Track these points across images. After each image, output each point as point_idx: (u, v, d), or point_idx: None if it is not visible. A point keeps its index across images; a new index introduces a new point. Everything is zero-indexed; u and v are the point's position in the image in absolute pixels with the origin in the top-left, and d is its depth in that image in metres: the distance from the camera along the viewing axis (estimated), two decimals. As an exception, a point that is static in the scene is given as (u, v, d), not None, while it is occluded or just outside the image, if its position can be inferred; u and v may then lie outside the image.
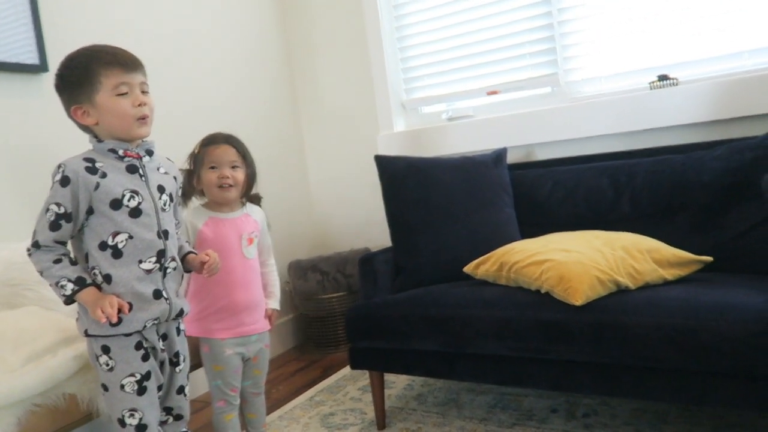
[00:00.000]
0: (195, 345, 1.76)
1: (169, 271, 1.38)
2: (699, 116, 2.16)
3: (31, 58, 1.99)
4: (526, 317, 1.59)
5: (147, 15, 2.43)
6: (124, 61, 1.32)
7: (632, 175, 2.05)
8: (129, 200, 1.31)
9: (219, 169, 1.66)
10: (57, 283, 1.27)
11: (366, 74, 2.94)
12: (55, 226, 1.27)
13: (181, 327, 1.48)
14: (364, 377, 2.42)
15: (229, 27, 2.82)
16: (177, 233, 1.46)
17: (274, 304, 1.81)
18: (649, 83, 2.27)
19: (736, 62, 2.18)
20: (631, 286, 1.61)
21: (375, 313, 1.88)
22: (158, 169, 1.40)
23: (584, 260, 1.61)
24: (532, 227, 2.15)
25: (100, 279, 1.30)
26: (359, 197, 3.06)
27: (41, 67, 2.00)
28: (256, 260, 1.76)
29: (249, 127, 2.74)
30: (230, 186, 1.67)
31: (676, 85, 2.23)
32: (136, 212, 1.32)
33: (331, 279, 2.80)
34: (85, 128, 1.36)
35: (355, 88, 2.99)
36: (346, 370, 2.57)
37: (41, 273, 1.29)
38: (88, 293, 1.28)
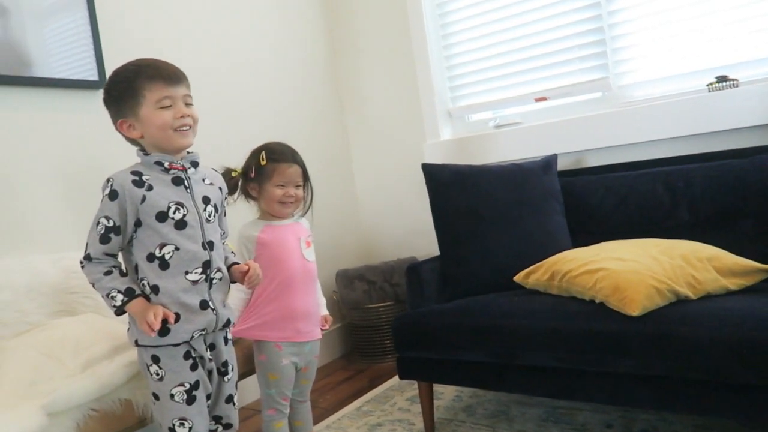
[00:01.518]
0: (247, 353, 1.78)
1: (215, 281, 1.39)
2: (761, 118, 2.06)
3: (91, 74, 2.07)
4: (579, 328, 1.54)
5: (201, 32, 2.50)
6: (167, 75, 1.34)
7: (690, 181, 1.97)
8: (174, 212, 1.33)
9: (285, 188, 1.69)
10: (108, 295, 1.31)
11: (412, 82, 2.94)
12: (104, 239, 1.31)
13: (229, 337, 1.50)
14: (411, 387, 2.40)
15: (277, 40, 2.87)
16: (223, 243, 1.49)
17: (325, 310, 1.83)
18: (707, 85, 2.19)
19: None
20: (692, 296, 1.54)
21: (422, 322, 1.86)
22: (203, 180, 1.43)
23: (640, 269, 1.56)
24: (584, 235, 2.10)
25: (148, 290, 1.33)
26: (405, 206, 3.05)
27: (100, 83, 2.08)
28: (315, 265, 1.77)
29: (296, 138, 2.76)
30: (291, 203, 1.71)
31: (737, 86, 2.14)
32: (181, 224, 1.34)
33: (377, 288, 2.79)
34: (132, 141, 1.40)
35: (401, 97, 2.99)
36: (394, 380, 2.55)
37: (93, 285, 1.33)
38: (137, 304, 1.31)
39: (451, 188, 2.12)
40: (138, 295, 1.32)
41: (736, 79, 2.15)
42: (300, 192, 1.73)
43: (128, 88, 1.33)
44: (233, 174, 1.72)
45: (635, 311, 1.47)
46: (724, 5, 2.18)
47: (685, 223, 1.93)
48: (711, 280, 1.57)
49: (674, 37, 2.29)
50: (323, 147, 3.07)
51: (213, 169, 1.51)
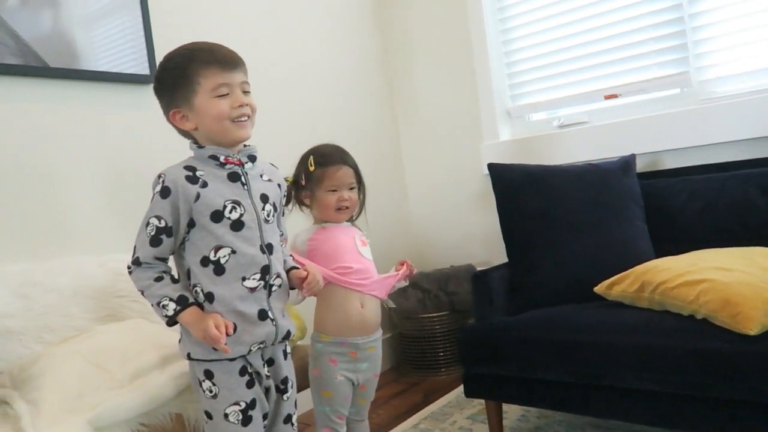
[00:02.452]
0: (302, 364, 1.65)
1: (274, 288, 1.25)
2: None
3: (142, 68, 1.98)
4: (682, 346, 1.36)
5: (252, 28, 2.40)
6: (224, 60, 1.21)
7: (791, 184, 1.77)
8: (230, 212, 1.20)
9: (338, 192, 1.56)
10: (158, 303, 1.17)
11: (469, 80, 2.78)
12: (155, 241, 1.18)
13: (288, 350, 1.36)
14: (471, 405, 2.23)
15: (327, 39, 2.75)
16: (282, 246, 1.36)
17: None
18: (806, 78, 1.98)
19: None
20: (814, 312, 1.34)
21: (493, 335, 1.70)
22: (261, 176, 1.29)
23: (753, 281, 1.37)
24: (666, 243, 1.91)
25: (201, 297, 1.19)
26: (460, 211, 2.89)
27: (151, 78, 1.98)
28: (372, 264, 1.63)
29: (345, 139, 2.63)
30: (347, 208, 1.58)
31: (841, 79, 1.93)
32: (237, 225, 1.20)
33: (432, 297, 2.64)
34: (184, 133, 1.27)
35: (457, 95, 2.84)
36: (451, 395, 2.39)
37: (142, 292, 1.20)
38: (191, 313, 1.17)
39: (522, 190, 1.95)
40: (192, 304, 1.18)
41: (840, 72, 1.94)
42: (354, 195, 1.59)
43: (181, 75, 1.20)
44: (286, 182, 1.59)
45: (752, 329, 1.29)
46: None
47: (788, 230, 1.72)
48: (836, 295, 1.37)
49: (764, 27, 2.08)
50: (373, 149, 2.94)
51: (271, 164, 1.37)
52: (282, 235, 1.37)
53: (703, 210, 1.90)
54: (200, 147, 1.24)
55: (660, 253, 1.83)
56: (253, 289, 1.21)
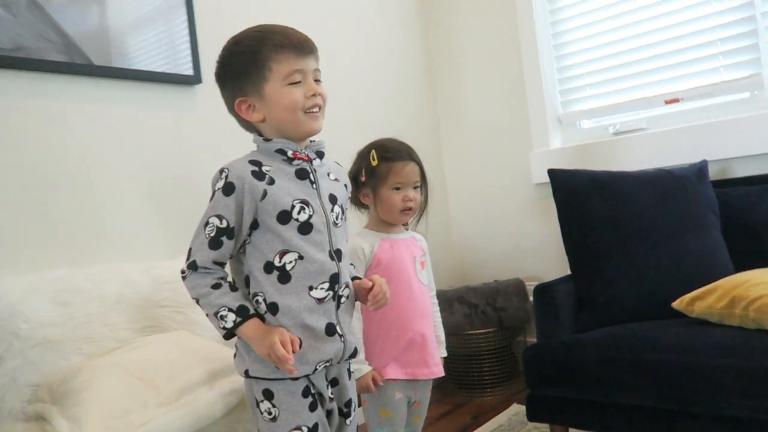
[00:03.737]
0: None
1: (343, 300, 1.13)
2: None
3: (186, 68, 1.89)
4: (793, 370, 1.21)
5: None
6: (299, 44, 1.10)
7: None
8: (299, 213, 1.08)
9: (403, 190, 1.44)
10: (216, 314, 1.05)
11: (518, 86, 2.66)
12: (215, 243, 1.06)
13: (352, 369, 1.23)
14: (526, 428, 2.08)
15: (368, 39, 2.65)
16: None
17: (443, 351, 1.56)
18: None
19: None
20: None
21: (563, 354, 1.56)
22: (328, 175, 1.17)
23: None
24: (745, 256, 1.76)
25: (263, 308, 1.08)
26: (507, 222, 2.75)
27: (195, 78, 1.90)
28: (428, 289, 1.53)
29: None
30: (411, 209, 1.46)
31: None
32: (306, 227, 1.09)
33: (479, 312, 2.50)
34: (248, 126, 1.16)
35: (505, 102, 2.71)
36: (502, 418, 2.24)
37: (197, 300, 1.08)
38: (253, 326, 1.05)
39: (587, 197, 1.82)
40: (253, 315, 1.06)
41: None
42: (418, 195, 1.48)
43: (252, 60, 1.08)
44: None
45: None
46: None
47: None
48: None
49: None
50: (413, 157, 2.82)
51: (336, 162, 1.26)
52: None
53: (789, 220, 1.75)
54: (267, 140, 1.12)
55: (740, 268, 1.68)
56: (321, 300, 1.09)
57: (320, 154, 1.16)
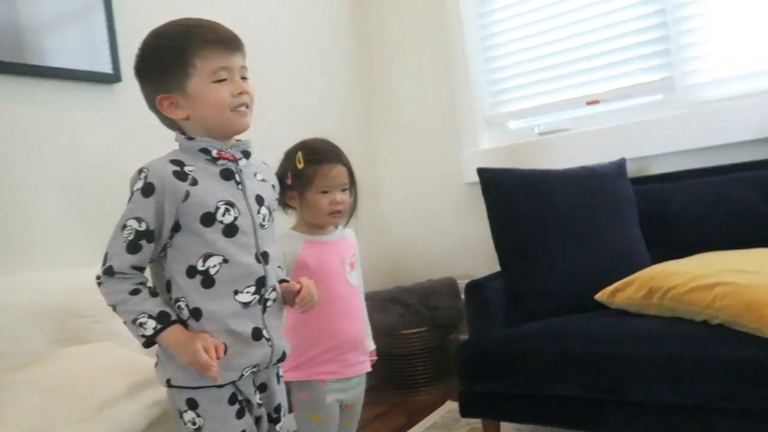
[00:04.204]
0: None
1: (269, 303, 1.10)
2: None
3: (105, 66, 1.80)
4: (707, 356, 1.28)
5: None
6: (226, 40, 1.06)
7: (789, 186, 1.74)
8: (224, 214, 1.04)
9: (331, 193, 1.41)
10: (135, 321, 1.00)
11: (447, 88, 2.69)
12: (134, 247, 1.00)
13: (280, 373, 1.20)
14: (458, 425, 2.10)
15: (295, 33, 2.62)
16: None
17: (371, 343, 1.55)
18: (792, 82, 1.98)
19: None
20: (837, 314, 1.29)
21: (494, 350, 1.59)
22: (255, 176, 1.13)
23: (773, 283, 1.30)
24: (662, 249, 1.85)
25: (186, 314, 1.03)
26: (439, 222, 2.78)
27: (115, 77, 1.81)
28: (360, 289, 1.51)
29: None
30: (340, 212, 1.43)
31: (826, 82, 1.93)
32: (231, 230, 1.05)
33: (413, 312, 2.51)
34: (170, 124, 1.10)
35: (435, 103, 2.75)
36: (435, 416, 2.25)
37: (114, 307, 1.02)
38: (174, 333, 1.01)
39: (515, 195, 1.86)
40: (174, 322, 1.01)
41: (824, 75, 1.94)
42: (347, 197, 1.46)
43: (175, 54, 1.03)
44: None
45: (780, 333, 1.22)
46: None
47: (790, 232, 1.69)
48: None
49: (749, 31, 2.08)
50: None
51: (263, 162, 1.21)
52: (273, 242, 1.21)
53: (703, 215, 1.86)
54: (190, 138, 1.07)
55: (657, 260, 1.76)
56: (247, 304, 1.05)
57: (247, 154, 1.12)
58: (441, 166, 2.75)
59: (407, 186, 2.88)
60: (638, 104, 2.33)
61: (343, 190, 1.43)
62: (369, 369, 1.50)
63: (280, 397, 1.18)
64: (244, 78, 1.08)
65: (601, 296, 1.64)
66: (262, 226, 1.10)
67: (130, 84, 1.90)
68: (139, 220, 1.00)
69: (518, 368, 1.53)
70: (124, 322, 1.02)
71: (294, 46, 2.58)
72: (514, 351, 1.55)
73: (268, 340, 1.08)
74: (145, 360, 1.37)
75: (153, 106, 1.09)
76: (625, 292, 1.58)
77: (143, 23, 1.90)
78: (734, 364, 1.25)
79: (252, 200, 1.09)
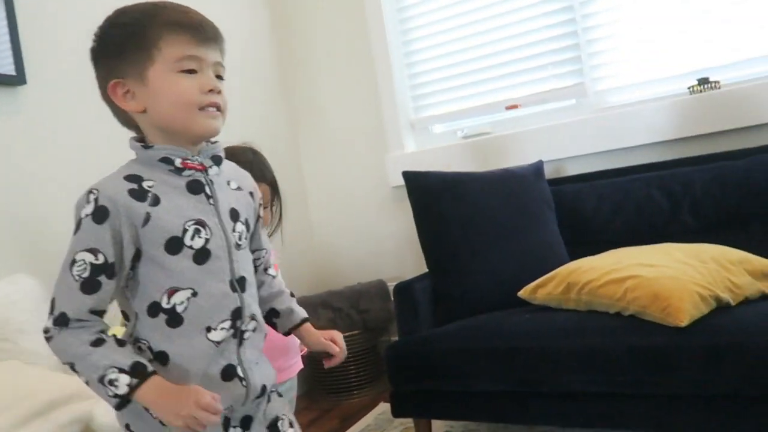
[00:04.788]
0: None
1: (247, 335, 0.93)
2: (744, 120, 2.02)
3: (8, 68, 1.69)
4: (617, 345, 1.36)
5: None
6: (199, 26, 0.89)
7: (688, 184, 1.88)
8: (193, 238, 0.88)
9: None
10: (101, 378, 0.82)
11: (372, 92, 2.72)
12: (91, 285, 0.84)
13: (280, 390, 1.07)
14: (392, 426, 2.12)
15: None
16: (267, 270, 1.06)
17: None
18: (689, 88, 2.13)
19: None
20: (732, 302, 1.40)
21: (422, 349, 1.62)
22: (228, 184, 0.96)
23: (677, 275, 1.40)
24: (579, 246, 1.94)
25: (148, 356, 0.87)
26: (366, 225, 2.80)
27: (18, 78, 1.70)
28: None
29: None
30: None
31: (719, 88, 2.09)
32: (202, 255, 0.89)
33: (344, 316, 2.51)
34: (124, 117, 0.94)
35: (359, 106, 2.76)
36: (369, 418, 2.26)
37: (72, 365, 0.84)
38: (155, 388, 0.83)
39: (439, 197, 1.90)
40: (152, 373, 0.84)
41: (717, 82, 2.10)
42: (267, 214, 1.41)
43: (136, 34, 0.87)
44: None
45: (683, 321, 1.31)
46: (704, 7, 2.14)
47: (690, 227, 1.82)
48: (748, 284, 1.44)
49: (652, 41, 2.22)
50: (269, 162, 2.77)
51: (236, 165, 1.04)
52: (265, 251, 1.05)
53: (614, 212, 1.96)
54: (147, 147, 0.90)
55: (574, 256, 1.85)
56: (219, 343, 0.89)
57: (217, 160, 0.95)
58: (367, 170, 2.77)
59: (334, 190, 2.88)
60: (554, 109, 2.44)
61: (265, 207, 1.39)
62: (301, 367, 1.48)
63: (279, 410, 1.00)
64: (219, 77, 0.92)
65: (523, 293, 1.70)
66: (238, 246, 0.93)
67: (36, 86, 1.82)
68: (93, 251, 0.84)
69: (445, 366, 1.56)
70: (87, 382, 0.84)
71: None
72: (440, 349, 1.58)
73: (242, 379, 0.91)
74: (60, 377, 1.30)
75: (105, 95, 0.92)
76: (546, 288, 1.64)
77: (49, 22, 1.80)
78: (640, 352, 1.33)
79: (226, 216, 0.93)
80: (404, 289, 1.77)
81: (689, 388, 1.29)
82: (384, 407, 2.30)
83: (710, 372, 1.26)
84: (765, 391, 1.23)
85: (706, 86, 2.10)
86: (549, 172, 2.30)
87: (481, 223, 1.86)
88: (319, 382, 2.61)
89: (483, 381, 1.51)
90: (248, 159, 1.40)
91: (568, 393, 1.43)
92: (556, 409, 1.45)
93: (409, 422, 1.91)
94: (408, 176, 1.98)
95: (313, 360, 2.59)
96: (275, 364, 1.39)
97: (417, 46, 2.66)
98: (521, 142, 2.40)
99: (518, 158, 2.32)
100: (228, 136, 2.25)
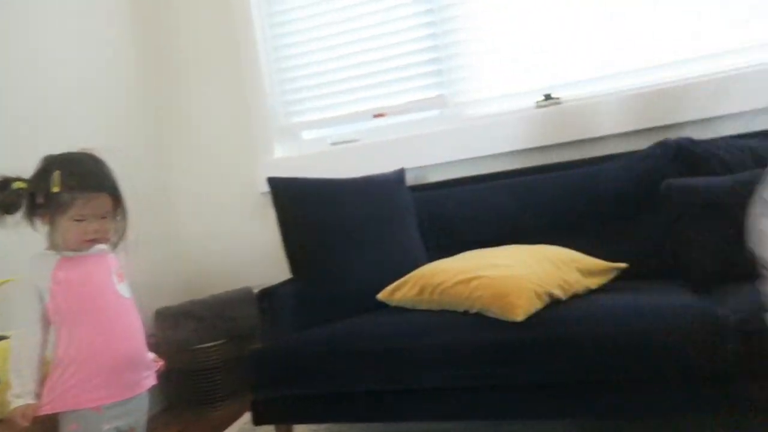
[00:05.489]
0: (47, 426, 1.34)
1: None
2: (585, 133, 2.23)
3: None
4: (467, 341, 1.44)
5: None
6: None
7: (532, 191, 2.05)
8: None
9: (87, 223, 1.27)
10: None
11: (240, 96, 2.68)
12: None
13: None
14: (258, 435, 2.09)
15: (79, 40, 2.41)
16: None
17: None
18: (536, 102, 2.32)
19: (619, 82, 2.28)
20: (563, 297, 1.54)
21: (284, 355, 1.62)
22: None
23: (516, 274, 1.52)
24: (438, 250, 2.03)
25: None
26: (234, 231, 2.74)
27: None
28: (132, 302, 1.42)
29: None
30: (96, 240, 1.30)
31: (560, 104, 2.29)
32: None
33: (208, 325, 2.44)
34: None
35: (228, 111, 2.71)
36: (233, 429, 2.21)
37: None
38: None
39: (303, 203, 1.92)
40: None
41: (558, 98, 2.31)
42: (107, 225, 1.32)
43: None
44: (15, 186, 1.27)
45: (519, 316, 1.42)
46: (551, 30, 2.33)
47: (534, 230, 1.97)
48: (576, 281, 1.59)
49: (506, 60, 2.39)
50: (132, 170, 2.62)
51: None
52: None
53: (469, 217, 2.09)
54: None
55: (433, 260, 1.93)
56: None
57: None
58: (236, 176, 2.72)
59: (201, 197, 2.79)
60: (418, 118, 2.54)
61: (103, 218, 1.30)
62: (153, 383, 1.42)
63: None
64: None
65: (381, 296, 1.75)
66: None
67: None
68: None
69: (306, 371, 1.57)
70: None
71: (75, 49, 2.37)
72: (300, 354, 1.59)
73: None
74: None
75: None
76: (402, 290, 1.71)
77: None
78: (483, 347, 1.42)
79: None
80: (267, 295, 1.76)
81: (533, 377, 1.40)
82: (249, 416, 2.26)
83: (546, 361, 1.38)
84: (595, 376, 1.36)
85: (549, 102, 2.30)
86: (411, 179, 2.40)
87: (343, 228, 1.89)
88: (182, 395, 2.51)
89: (345, 383, 1.54)
90: (87, 166, 1.31)
91: (423, 389, 1.49)
92: (414, 405, 1.51)
93: (270, 429, 1.89)
94: (273, 182, 1.97)
95: (176, 374, 2.49)
96: (123, 376, 1.33)
97: (288, 51, 2.66)
98: (387, 149, 2.48)
99: (384, 165, 2.38)
100: (87, 139, 2.13)
